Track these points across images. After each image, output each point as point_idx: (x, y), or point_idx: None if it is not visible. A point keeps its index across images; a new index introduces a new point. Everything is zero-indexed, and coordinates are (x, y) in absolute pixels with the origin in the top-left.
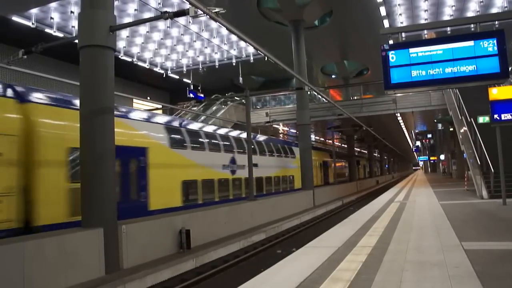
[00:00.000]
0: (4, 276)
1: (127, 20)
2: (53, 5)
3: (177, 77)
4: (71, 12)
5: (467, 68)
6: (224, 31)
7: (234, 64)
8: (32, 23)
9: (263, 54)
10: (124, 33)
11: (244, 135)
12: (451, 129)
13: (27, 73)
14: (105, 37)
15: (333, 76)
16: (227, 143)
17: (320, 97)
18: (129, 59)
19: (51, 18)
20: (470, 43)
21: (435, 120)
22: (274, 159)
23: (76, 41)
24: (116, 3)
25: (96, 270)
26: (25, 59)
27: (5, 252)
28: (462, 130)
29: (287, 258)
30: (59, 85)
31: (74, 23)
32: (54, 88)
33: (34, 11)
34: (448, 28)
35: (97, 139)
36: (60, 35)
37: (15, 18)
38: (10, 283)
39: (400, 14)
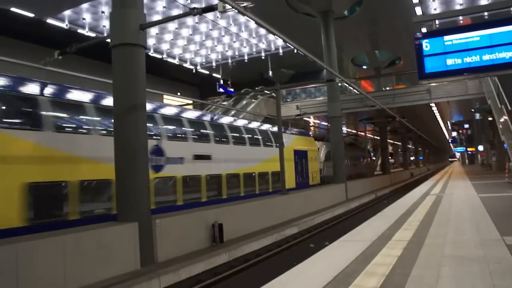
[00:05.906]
0: (48, 267)
1: (156, 17)
2: (84, 6)
3: (206, 72)
4: (102, 12)
5: (507, 55)
6: (252, 24)
7: (263, 57)
8: (66, 25)
9: (292, 47)
10: (154, 30)
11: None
12: (490, 118)
13: (62, 73)
14: (136, 35)
15: (364, 67)
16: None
17: (351, 88)
18: (159, 56)
19: (83, 18)
20: (510, 27)
21: (472, 110)
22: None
23: (108, 40)
24: (145, 1)
25: (131, 263)
26: (60, 60)
27: (48, 245)
28: (502, 120)
29: (320, 252)
30: (93, 84)
31: (105, 23)
32: (88, 86)
33: (67, 12)
34: (486, 13)
35: (131, 135)
36: (92, 35)
37: (49, 21)
38: (54, 274)
39: (433, 0)
